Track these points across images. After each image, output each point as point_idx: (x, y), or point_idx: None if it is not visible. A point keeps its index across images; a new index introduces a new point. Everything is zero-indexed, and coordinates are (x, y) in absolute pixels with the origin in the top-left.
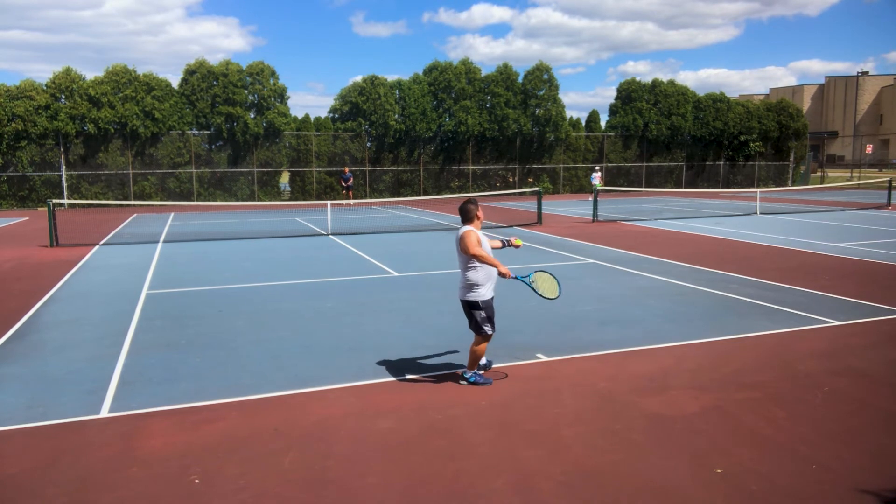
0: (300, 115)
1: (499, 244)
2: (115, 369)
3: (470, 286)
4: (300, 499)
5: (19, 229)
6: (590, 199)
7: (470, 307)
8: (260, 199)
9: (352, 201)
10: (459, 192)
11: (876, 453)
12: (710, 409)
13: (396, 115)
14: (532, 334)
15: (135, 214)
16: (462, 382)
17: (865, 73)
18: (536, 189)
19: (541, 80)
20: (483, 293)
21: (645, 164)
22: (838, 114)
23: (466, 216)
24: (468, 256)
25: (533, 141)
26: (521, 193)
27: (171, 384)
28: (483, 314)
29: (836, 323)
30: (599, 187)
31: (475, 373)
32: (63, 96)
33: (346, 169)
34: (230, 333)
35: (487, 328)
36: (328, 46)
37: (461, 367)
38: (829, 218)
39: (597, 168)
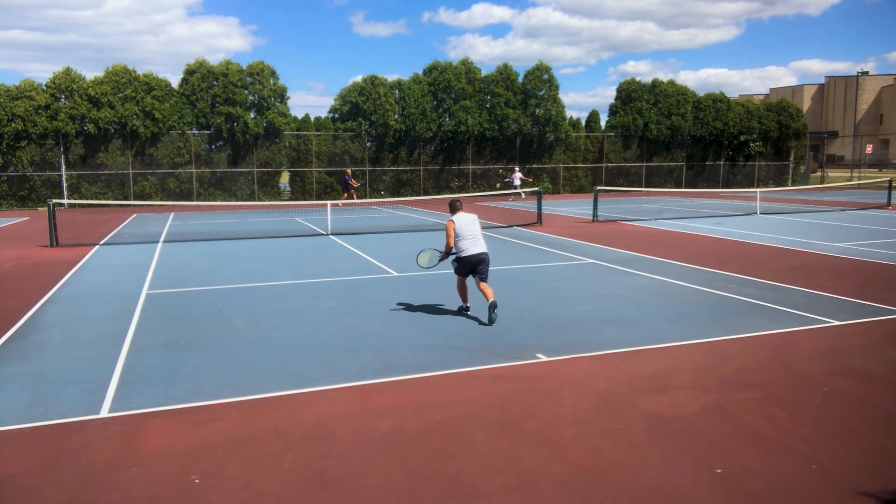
0: (300, 115)
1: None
2: (115, 369)
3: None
4: (300, 499)
5: (19, 229)
6: (510, 200)
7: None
8: (260, 199)
9: (340, 202)
10: (459, 192)
11: (876, 453)
12: (710, 409)
13: (396, 115)
14: (532, 334)
15: (135, 214)
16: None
17: (865, 73)
18: (536, 189)
19: (541, 80)
20: (460, 252)
21: (645, 164)
22: (838, 114)
23: (456, 208)
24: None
25: (533, 141)
26: (521, 193)
27: (171, 384)
28: (454, 264)
29: (836, 323)
30: (521, 188)
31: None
32: (63, 96)
33: (349, 171)
34: (230, 333)
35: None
36: (328, 46)
37: (461, 366)
38: (829, 218)
39: (516, 168)
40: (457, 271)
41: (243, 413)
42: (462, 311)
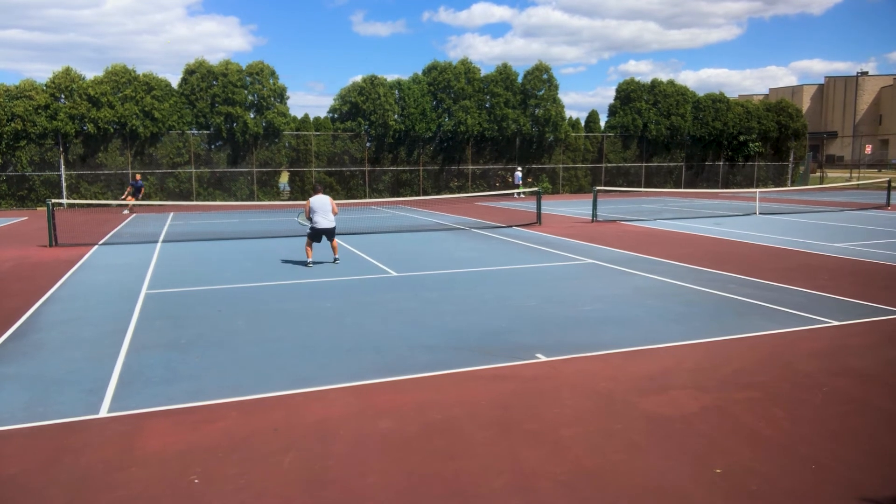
0: (300, 115)
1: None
2: (115, 369)
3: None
4: (300, 499)
5: (19, 229)
6: (516, 199)
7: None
8: (259, 199)
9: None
10: (459, 193)
11: (875, 453)
12: (710, 409)
13: (396, 115)
14: (532, 334)
15: (134, 214)
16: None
17: (865, 74)
18: (536, 189)
19: (540, 80)
20: (314, 224)
21: (644, 164)
22: (838, 114)
23: (316, 191)
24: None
25: (532, 141)
26: (520, 193)
27: (171, 384)
28: (310, 231)
29: (836, 323)
30: (522, 187)
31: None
32: (63, 96)
33: (138, 176)
34: (230, 333)
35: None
36: (328, 46)
37: (461, 366)
38: (829, 218)
39: (518, 168)
40: (310, 236)
41: (243, 413)
42: (307, 265)
